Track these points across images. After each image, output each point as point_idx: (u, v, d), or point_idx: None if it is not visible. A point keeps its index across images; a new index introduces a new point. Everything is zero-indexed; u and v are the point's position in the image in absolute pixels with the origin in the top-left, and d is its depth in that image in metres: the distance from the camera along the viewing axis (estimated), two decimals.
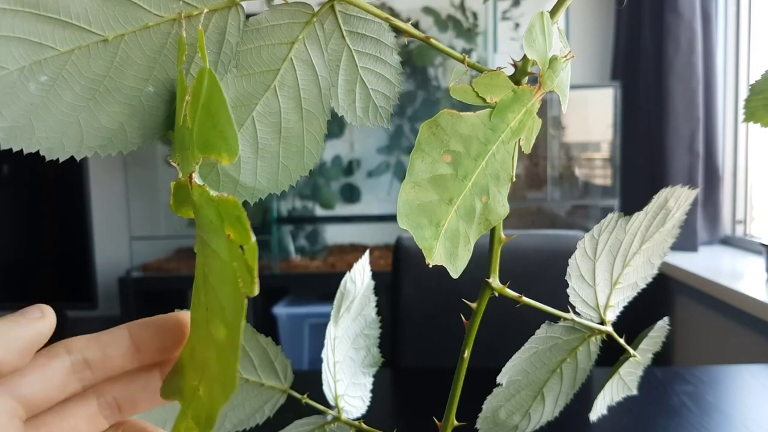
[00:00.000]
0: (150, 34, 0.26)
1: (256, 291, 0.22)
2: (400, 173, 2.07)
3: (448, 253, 0.29)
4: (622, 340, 0.38)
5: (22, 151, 0.25)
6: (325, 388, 0.40)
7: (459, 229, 0.29)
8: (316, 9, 0.29)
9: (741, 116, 0.43)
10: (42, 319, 0.25)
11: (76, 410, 0.26)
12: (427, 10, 1.98)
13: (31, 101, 0.25)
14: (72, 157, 0.26)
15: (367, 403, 0.43)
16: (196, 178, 0.24)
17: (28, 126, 0.25)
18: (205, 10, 0.27)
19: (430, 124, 0.29)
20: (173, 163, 0.26)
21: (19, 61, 0.24)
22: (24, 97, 0.24)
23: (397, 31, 0.30)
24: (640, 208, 0.35)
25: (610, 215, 0.35)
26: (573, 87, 0.32)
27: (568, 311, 0.36)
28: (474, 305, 0.33)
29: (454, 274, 0.29)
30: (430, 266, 0.28)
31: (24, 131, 0.24)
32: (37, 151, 0.25)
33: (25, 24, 0.24)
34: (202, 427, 0.24)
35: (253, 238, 0.22)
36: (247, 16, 0.28)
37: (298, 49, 0.29)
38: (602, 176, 1.92)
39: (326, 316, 0.40)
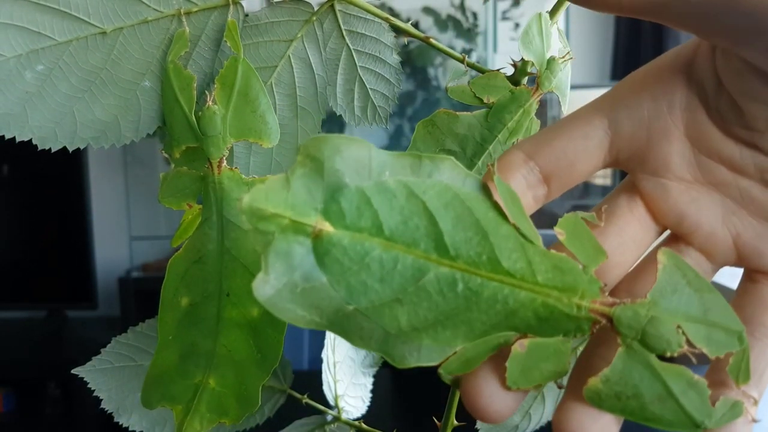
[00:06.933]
0: (149, 28, 0.26)
1: None
2: None
3: None
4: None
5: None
6: (325, 388, 0.40)
7: None
8: (316, 8, 0.29)
9: None
10: None
11: None
12: (427, 10, 1.98)
13: (27, 90, 0.25)
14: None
15: (367, 403, 0.43)
16: (226, 163, 0.25)
17: (22, 114, 0.25)
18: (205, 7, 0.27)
19: (426, 123, 0.29)
20: (165, 154, 0.27)
21: (17, 49, 0.24)
22: (19, 85, 0.24)
23: (397, 31, 0.30)
24: None
25: None
26: (573, 87, 0.32)
27: None
28: None
29: None
30: None
31: (18, 119, 0.25)
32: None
33: (24, 12, 0.24)
34: (240, 410, 0.25)
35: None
36: (246, 15, 0.29)
37: (296, 47, 0.29)
38: (602, 176, 1.92)
39: None
